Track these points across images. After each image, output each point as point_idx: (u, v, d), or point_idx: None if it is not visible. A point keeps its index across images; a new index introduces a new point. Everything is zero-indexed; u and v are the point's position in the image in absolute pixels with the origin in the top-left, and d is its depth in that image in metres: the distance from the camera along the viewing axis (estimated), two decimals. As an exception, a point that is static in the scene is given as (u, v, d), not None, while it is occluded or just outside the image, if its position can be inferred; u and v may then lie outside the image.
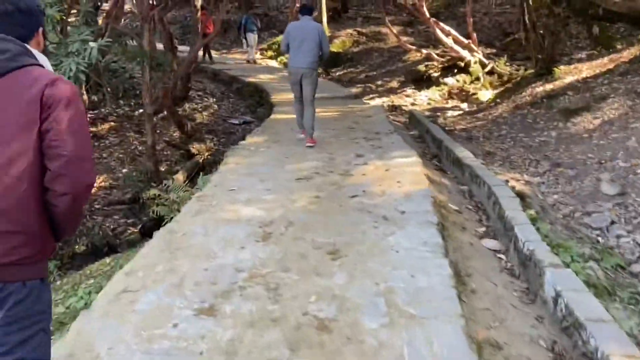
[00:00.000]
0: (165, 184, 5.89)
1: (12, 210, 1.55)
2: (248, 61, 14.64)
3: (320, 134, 6.78)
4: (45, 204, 1.62)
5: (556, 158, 6.48)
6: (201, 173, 7.02)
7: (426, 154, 6.82)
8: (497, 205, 4.27)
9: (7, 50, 1.61)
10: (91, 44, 5.24)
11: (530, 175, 5.96)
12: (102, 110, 11.05)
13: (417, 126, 8.42)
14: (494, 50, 15.45)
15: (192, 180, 9.19)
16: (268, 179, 4.78)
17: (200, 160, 9.49)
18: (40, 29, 1.77)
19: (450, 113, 11.42)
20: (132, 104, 11.14)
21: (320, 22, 16.37)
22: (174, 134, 10.10)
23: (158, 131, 10.58)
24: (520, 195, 4.71)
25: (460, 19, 18.87)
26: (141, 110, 11.29)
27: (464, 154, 5.86)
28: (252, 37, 14.66)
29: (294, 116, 6.83)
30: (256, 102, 11.00)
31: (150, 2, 6.60)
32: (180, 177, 8.68)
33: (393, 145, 5.97)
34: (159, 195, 5.24)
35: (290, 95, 6.73)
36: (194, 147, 9.72)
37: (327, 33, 16.35)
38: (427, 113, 11.36)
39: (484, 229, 4.22)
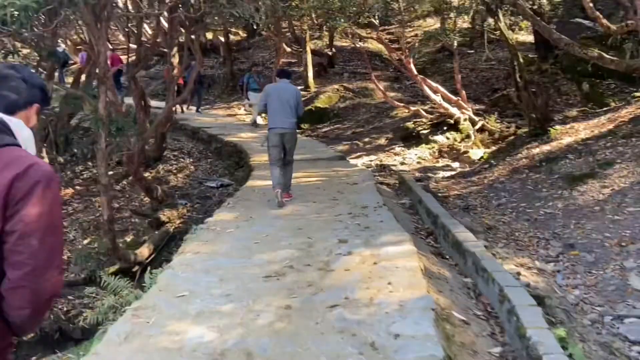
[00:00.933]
0: (104, 282, 4.80)
1: None
2: (253, 123, 13.65)
3: (299, 209, 5.89)
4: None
5: (568, 237, 5.61)
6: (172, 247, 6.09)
7: (419, 231, 5.93)
8: (513, 316, 3.35)
9: None
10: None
11: (543, 261, 5.06)
12: (68, 173, 10.13)
13: (408, 193, 7.57)
14: (483, 107, 14.91)
15: (160, 252, 8.21)
16: (229, 278, 3.82)
17: (171, 229, 8.52)
18: (36, 106, 1.62)
19: (441, 174, 10.64)
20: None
21: (306, 77, 15.86)
22: (144, 199, 9.15)
23: (126, 196, 9.65)
24: (538, 297, 3.81)
25: (447, 74, 18.50)
26: (111, 173, 10.39)
27: (464, 235, 4.97)
28: (255, 97, 13.81)
29: (271, 183, 6.24)
30: (235, 163, 10.15)
31: (109, 62, 5.77)
32: (144, 250, 7.68)
33: (382, 226, 5.06)
34: (95, 295, 4.23)
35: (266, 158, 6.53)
36: (165, 214, 8.76)
37: (313, 88, 15.80)
38: (417, 174, 10.57)
39: (499, 348, 3.28)
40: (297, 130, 10.08)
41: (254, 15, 7.72)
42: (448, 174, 10.60)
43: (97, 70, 5.96)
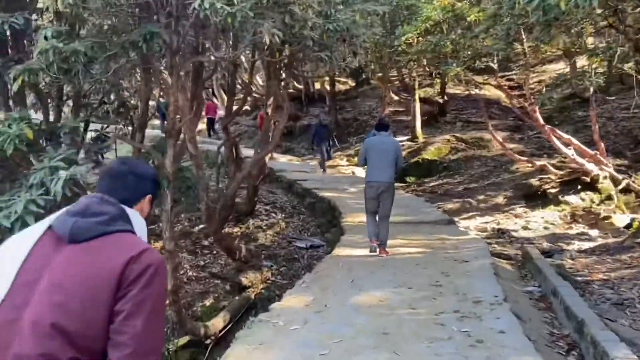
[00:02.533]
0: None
1: None
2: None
3: (389, 297, 4.52)
4: None
5: None
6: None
7: (557, 340, 4.25)
8: None
9: (104, 213, 1.48)
10: (61, 172, 3.63)
11: None
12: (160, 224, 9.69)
13: (537, 276, 5.82)
14: (625, 162, 12.44)
15: (239, 320, 7.21)
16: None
17: (253, 295, 7.53)
18: (149, 197, 1.67)
19: (577, 245, 8.57)
20: (193, 218, 9.69)
21: (414, 127, 14.57)
22: (229, 260, 8.31)
23: (213, 253, 8.91)
24: None
25: (577, 124, 16.07)
26: (202, 226, 9.80)
27: (631, 363, 3.26)
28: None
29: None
30: (328, 222, 9.02)
31: (177, 116, 5.02)
32: (218, 322, 6.71)
33: (504, 340, 3.51)
34: None
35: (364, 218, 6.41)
36: (248, 277, 7.80)
37: (421, 138, 14.42)
38: (545, 244, 8.62)
39: None
40: (402, 184, 8.84)
41: (350, 58, 6.71)
42: (586, 245, 8.50)
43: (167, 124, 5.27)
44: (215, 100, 16.63)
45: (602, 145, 10.97)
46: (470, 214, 10.73)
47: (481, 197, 11.52)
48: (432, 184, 12.77)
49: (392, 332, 3.72)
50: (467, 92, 18.92)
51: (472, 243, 6.74)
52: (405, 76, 16.20)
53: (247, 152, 14.92)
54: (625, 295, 5.43)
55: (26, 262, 1.41)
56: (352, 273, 5.33)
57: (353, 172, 12.61)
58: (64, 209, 1.52)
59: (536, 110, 10.54)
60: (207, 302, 7.75)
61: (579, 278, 6.07)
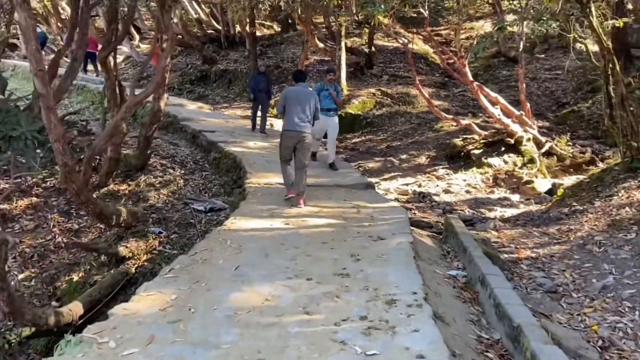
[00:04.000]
0: None
1: None
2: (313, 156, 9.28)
3: (278, 294, 3.33)
4: None
5: None
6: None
7: (484, 347, 3.30)
8: None
9: None
10: None
11: None
12: (31, 177, 7.90)
13: (460, 255, 4.90)
14: (547, 124, 11.97)
15: (114, 300, 5.84)
16: None
17: (133, 269, 6.12)
18: None
19: (500, 211, 7.85)
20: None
21: (338, 77, 13.26)
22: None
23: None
24: None
25: (502, 83, 15.47)
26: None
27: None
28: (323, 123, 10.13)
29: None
30: (233, 181, 7.67)
31: None
32: (78, 307, 5.28)
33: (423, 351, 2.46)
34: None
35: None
36: (129, 246, 6.37)
37: (346, 92, 13.18)
38: (467, 211, 7.84)
39: None
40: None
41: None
42: (509, 212, 7.80)
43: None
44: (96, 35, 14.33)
45: (528, 105, 10.30)
46: (392, 174, 9.79)
47: (404, 156, 10.60)
48: (354, 141, 11.68)
49: (270, 356, 2.54)
50: (395, 45, 17.83)
51: (391, 213, 5.69)
52: (332, 22, 14.74)
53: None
54: (558, 279, 4.63)
55: None
56: (241, 256, 4.08)
57: (271, 125, 11.20)
58: None
59: (465, 65, 9.58)
60: (76, 277, 6.27)
61: (505, 256, 5.23)
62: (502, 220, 7.20)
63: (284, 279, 3.60)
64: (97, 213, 5.71)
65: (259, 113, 10.36)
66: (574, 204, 6.86)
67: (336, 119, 8.16)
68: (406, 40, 11.72)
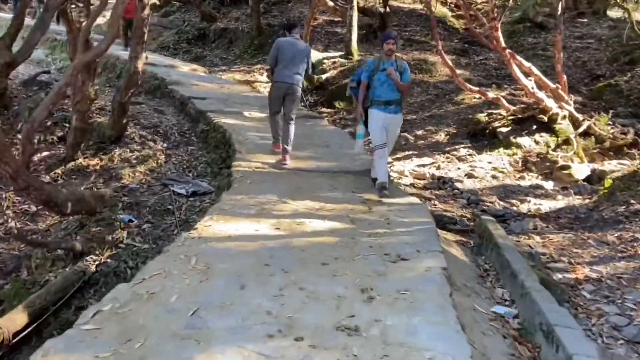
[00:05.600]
0: None
1: None
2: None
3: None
4: None
5: None
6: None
7: None
8: None
9: None
10: None
11: None
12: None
13: (506, 279, 3.62)
14: (579, 99, 10.42)
15: (67, 304, 4.66)
16: None
17: (92, 267, 4.90)
18: None
19: (534, 203, 6.49)
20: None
21: (349, 41, 11.71)
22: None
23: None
24: None
25: (528, 51, 13.73)
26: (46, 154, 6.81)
27: None
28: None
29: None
30: (222, 160, 6.35)
31: None
32: (17, 317, 4.10)
33: None
34: None
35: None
36: (90, 238, 5.15)
37: (356, 56, 11.65)
38: (496, 202, 6.50)
39: None
40: (329, 110, 6.63)
41: None
42: (545, 204, 6.45)
43: None
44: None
45: (565, 77, 8.80)
46: (406, 153, 8.40)
47: (420, 132, 9.18)
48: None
49: None
50: (412, 7, 16.10)
51: (411, 214, 4.37)
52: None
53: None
54: (638, 318, 3.36)
55: None
56: (206, 286, 2.81)
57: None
58: None
59: (498, 28, 8.04)
60: (24, 274, 5.06)
61: (559, 275, 3.94)
62: (541, 216, 5.87)
63: (262, 337, 2.33)
64: (44, 200, 4.42)
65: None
66: (632, 201, 5.50)
67: (400, 116, 5.43)
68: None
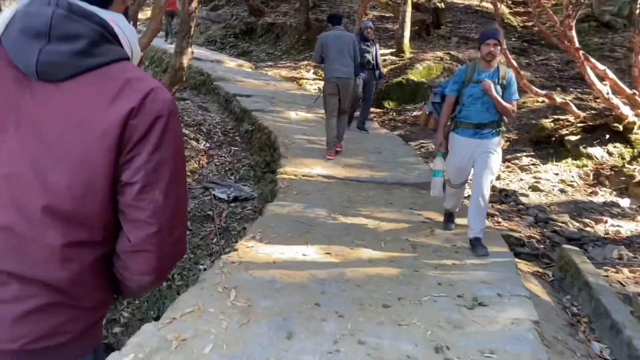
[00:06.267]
0: None
1: (62, 281, 0.88)
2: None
3: None
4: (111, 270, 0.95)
5: None
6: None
7: None
8: None
9: (79, 37, 0.86)
10: None
11: None
12: None
13: (596, 319, 2.96)
14: (655, 105, 9.37)
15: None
16: None
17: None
18: None
19: (610, 224, 5.70)
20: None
21: (401, 37, 11.02)
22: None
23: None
24: None
25: (594, 52, 12.65)
26: None
27: None
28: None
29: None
30: (265, 163, 5.88)
31: None
32: None
33: None
34: None
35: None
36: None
37: (408, 54, 10.96)
38: (569, 222, 5.74)
39: None
40: (379, 110, 6.14)
41: None
42: (625, 226, 5.64)
43: None
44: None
45: (644, 83, 7.83)
46: (462, 159, 7.70)
47: (476, 136, 8.42)
48: (416, 113, 9.55)
49: None
50: (466, 3, 15.18)
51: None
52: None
53: (194, 50, 11.25)
54: None
55: None
56: (245, 333, 2.30)
57: (319, 89, 9.24)
58: (15, 17, 0.85)
59: (573, 27, 7.20)
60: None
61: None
62: (623, 241, 5.09)
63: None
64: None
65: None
66: None
67: (496, 141, 3.75)
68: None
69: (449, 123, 3.76)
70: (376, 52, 6.82)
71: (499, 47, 3.53)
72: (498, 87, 3.51)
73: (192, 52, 6.12)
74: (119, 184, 0.89)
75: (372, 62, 6.68)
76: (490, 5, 14.66)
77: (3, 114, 0.85)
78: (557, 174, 7.15)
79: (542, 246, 4.99)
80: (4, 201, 0.86)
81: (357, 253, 3.33)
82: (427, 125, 4.15)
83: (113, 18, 0.91)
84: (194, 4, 5.74)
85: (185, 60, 5.99)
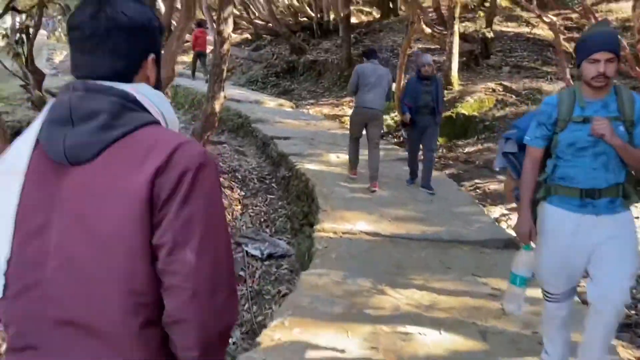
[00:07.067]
0: None
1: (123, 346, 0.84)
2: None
3: None
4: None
5: None
6: None
7: None
8: None
9: (99, 112, 0.87)
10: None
11: None
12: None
13: None
14: None
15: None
16: None
17: None
18: (151, 57, 0.95)
19: None
20: None
21: (449, 69, 10.36)
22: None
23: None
24: None
25: (664, 76, 11.59)
26: None
27: None
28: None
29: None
30: (303, 214, 5.27)
31: None
32: None
33: None
34: None
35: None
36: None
37: (457, 86, 10.26)
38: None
39: None
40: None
41: None
42: None
43: None
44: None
45: None
46: (524, 201, 6.82)
47: (538, 175, 7.53)
48: (468, 150, 8.78)
49: None
50: (516, 31, 14.36)
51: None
52: (442, 7, 11.82)
53: (234, 91, 11.05)
54: None
55: (24, 200, 0.87)
56: None
57: (404, 133, 8.61)
58: (44, 112, 0.91)
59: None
60: None
61: None
62: None
63: None
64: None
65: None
66: None
67: (627, 218, 2.19)
68: (553, 19, 8.53)
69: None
70: (437, 91, 5.64)
71: (615, 64, 2.08)
72: (620, 126, 2.10)
73: (225, 97, 5.70)
74: (155, 249, 0.83)
75: (433, 104, 5.56)
76: (542, 32, 13.79)
77: (46, 207, 0.86)
78: (638, 217, 6.13)
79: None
80: (67, 293, 0.84)
81: (409, 345, 2.61)
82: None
83: (135, 88, 0.90)
84: (226, 47, 5.37)
85: (218, 106, 5.58)
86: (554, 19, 8.00)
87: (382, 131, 5.90)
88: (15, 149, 0.91)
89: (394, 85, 10.81)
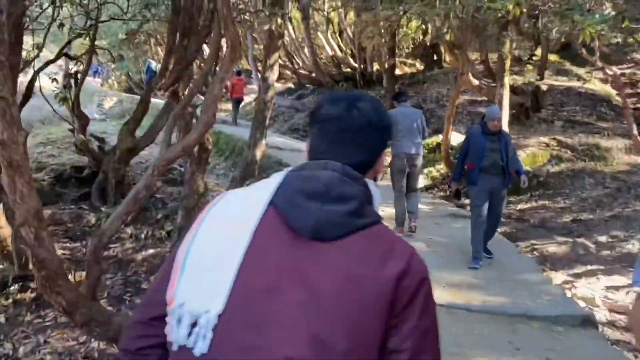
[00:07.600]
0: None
1: None
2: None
3: None
4: None
5: None
6: None
7: None
8: None
9: (352, 198, 0.91)
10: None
11: None
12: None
13: None
14: None
15: None
16: None
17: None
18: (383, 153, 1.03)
19: None
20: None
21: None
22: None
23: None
24: None
25: None
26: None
27: None
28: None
29: None
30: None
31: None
32: None
33: None
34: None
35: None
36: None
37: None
38: None
39: None
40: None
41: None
42: None
43: None
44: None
45: None
46: (588, 267, 6.11)
47: (602, 237, 6.83)
48: (521, 207, 8.20)
49: None
50: (567, 85, 13.88)
51: None
52: (490, 59, 11.57)
53: (275, 139, 10.97)
54: None
55: (250, 258, 0.86)
56: None
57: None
58: (288, 180, 0.93)
59: None
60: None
61: None
62: None
63: None
64: (111, 338, 3.24)
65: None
66: None
67: None
68: (616, 72, 8.07)
69: None
70: (506, 149, 4.80)
71: None
72: None
73: (267, 145, 5.48)
74: (385, 351, 0.85)
75: (502, 163, 4.69)
76: (595, 87, 13.24)
77: (278, 274, 0.84)
78: None
79: None
80: None
81: None
82: None
83: (370, 182, 0.96)
84: (270, 93, 5.18)
85: (259, 153, 5.35)
86: (618, 72, 7.53)
87: (420, 172, 5.92)
88: (240, 198, 0.93)
89: (440, 137, 10.46)
